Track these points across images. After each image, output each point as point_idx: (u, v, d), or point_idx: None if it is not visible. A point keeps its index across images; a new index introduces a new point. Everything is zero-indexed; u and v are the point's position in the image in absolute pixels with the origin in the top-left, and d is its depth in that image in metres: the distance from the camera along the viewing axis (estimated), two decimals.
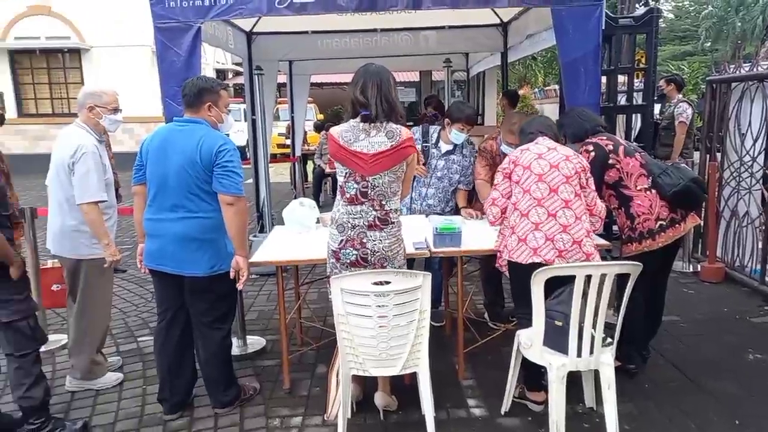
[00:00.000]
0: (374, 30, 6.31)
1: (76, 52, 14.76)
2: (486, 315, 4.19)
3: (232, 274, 2.84)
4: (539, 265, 2.65)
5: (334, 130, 2.66)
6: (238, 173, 2.77)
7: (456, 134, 3.81)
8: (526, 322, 2.72)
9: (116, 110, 3.28)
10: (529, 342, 2.69)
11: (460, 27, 6.32)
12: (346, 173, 2.63)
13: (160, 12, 3.48)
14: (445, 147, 3.91)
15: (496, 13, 5.95)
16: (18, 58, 14.86)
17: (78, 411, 3.16)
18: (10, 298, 2.69)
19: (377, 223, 2.63)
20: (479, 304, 4.43)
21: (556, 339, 2.58)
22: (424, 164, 3.89)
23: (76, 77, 14.85)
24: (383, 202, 2.63)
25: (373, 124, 2.59)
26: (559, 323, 2.55)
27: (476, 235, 3.37)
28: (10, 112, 14.25)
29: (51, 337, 3.89)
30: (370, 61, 2.73)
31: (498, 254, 2.99)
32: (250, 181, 6.74)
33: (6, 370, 2.81)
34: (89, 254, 3.20)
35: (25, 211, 3.85)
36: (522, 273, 2.66)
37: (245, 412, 3.08)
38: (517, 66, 20.82)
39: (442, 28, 6.35)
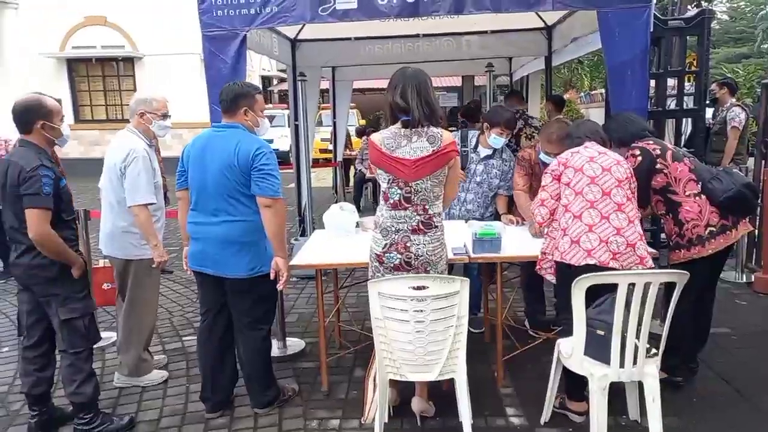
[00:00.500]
0: (416, 35, 6.33)
1: (129, 61, 15.37)
2: (526, 323, 4.13)
3: (272, 276, 2.89)
4: (593, 267, 2.62)
5: (376, 137, 2.68)
6: (275, 176, 2.82)
7: (495, 138, 3.78)
8: (571, 327, 2.66)
9: (165, 116, 3.40)
10: (570, 351, 2.64)
11: (503, 31, 6.27)
12: (389, 179, 2.65)
13: (208, 21, 3.59)
14: (484, 152, 3.88)
15: (539, 16, 5.86)
16: (75, 66, 15.56)
17: (125, 407, 3.27)
18: (70, 296, 2.81)
19: (421, 227, 2.65)
20: (519, 311, 4.36)
21: (597, 348, 2.52)
22: (462, 169, 3.87)
23: (130, 84, 15.46)
24: (427, 207, 2.65)
25: (414, 129, 2.60)
26: (601, 332, 2.49)
27: (516, 242, 3.33)
28: (68, 118, 14.94)
29: (102, 335, 4.04)
30: (411, 66, 2.74)
31: (541, 258, 2.95)
32: (292, 185, 6.85)
33: (59, 365, 2.94)
34: (138, 255, 3.32)
35: (79, 213, 4.03)
36: (573, 275, 2.61)
37: (284, 413, 3.12)
38: (563, 70, 20.46)
39: (485, 32, 6.31)
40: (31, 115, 2.78)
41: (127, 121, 3.41)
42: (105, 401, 3.23)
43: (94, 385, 2.93)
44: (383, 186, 2.69)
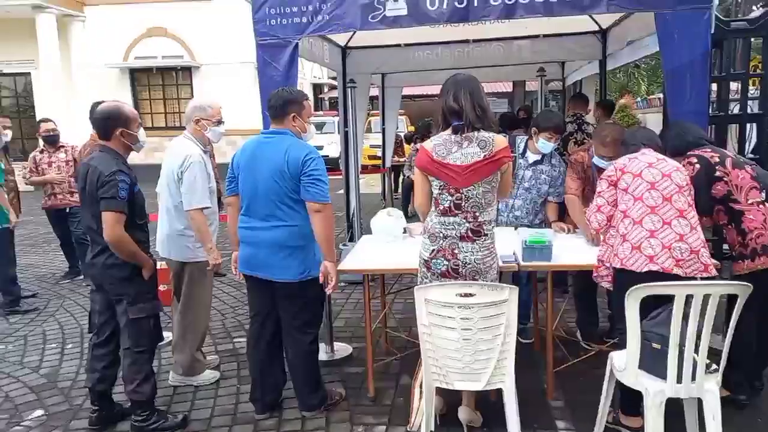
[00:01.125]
0: (466, 41, 6.29)
1: (187, 70, 15.99)
2: (578, 334, 4.02)
3: (320, 280, 2.92)
4: (655, 273, 2.54)
5: (427, 145, 2.68)
6: (324, 181, 2.86)
7: (543, 143, 3.71)
8: (625, 339, 2.57)
9: (220, 122, 3.51)
10: (624, 364, 2.55)
11: (556, 35, 6.15)
12: (440, 185, 2.65)
13: (262, 30, 3.68)
14: (532, 157, 3.82)
15: (594, 19, 5.72)
16: (137, 76, 16.34)
17: (179, 405, 3.38)
18: (139, 296, 2.94)
19: (469, 234, 2.63)
20: (570, 322, 4.25)
21: (653, 362, 2.43)
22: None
23: (187, 93, 16.06)
24: (477, 214, 2.63)
25: (465, 135, 2.59)
26: (657, 346, 2.39)
27: (568, 250, 3.25)
28: None
29: None
30: (462, 72, 2.74)
31: (598, 265, 2.87)
32: (341, 191, 6.92)
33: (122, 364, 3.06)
34: (193, 257, 3.43)
35: None
36: (633, 282, 2.52)
37: (331, 417, 3.15)
38: (618, 74, 19.90)
39: (536, 37, 6.20)
40: (111, 123, 2.93)
41: (185, 128, 3.54)
42: (160, 399, 3.34)
43: (152, 385, 3.04)
44: (434, 192, 2.69)
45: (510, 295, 2.46)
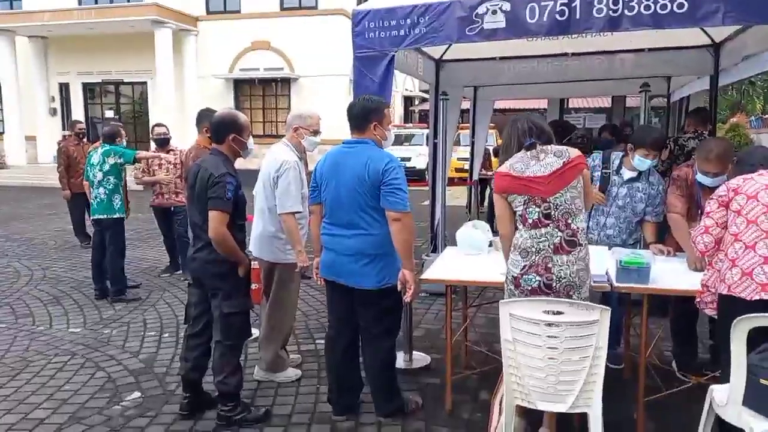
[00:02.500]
0: (564, 54, 6.11)
1: (286, 81, 16.78)
2: (673, 363, 3.76)
3: (399, 288, 2.94)
4: (766, 303, 2.33)
5: (502, 168, 2.70)
6: (404, 190, 2.88)
7: (640, 160, 3.52)
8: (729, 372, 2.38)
9: (317, 132, 3.64)
10: (726, 399, 2.36)
11: (663, 49, 5.83)
12: (524, 201, 2.61)
13: (361, 42, 3.78)
14: (627, 174, 3.64)
15: (706, 32, 5.38)
16: (240, 86, 17.33)
17: (261, 399, 3.51)
18: (233, 292, 3.10)
19: (564, 245, 2.56)
20: (666, 350, 3.99)
21: (759, 400, 2.22)
22: (603, 191, 3.66)
23: (284, 104, 16.82)
24: (569, 221, 2.57)
25: (540, 149, 2.64)
26: (765, 382, 2.19)
27: (667, 273, 3.06)
28: None
29: None
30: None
31: (701, 290, 2.68)
32: (426, 202, 6.92)
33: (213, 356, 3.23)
34: (283, 259, 3.57)
35: None
36: (741, 311, 2.33)
37: (407, 425, 3.14)
38: (730, 91, 18.56)
39: (641, 50, 5.92)
40: (225, 128, 3.13)
41: (281, 136, 3.69)
42: (245, 392, 3.47)
43: (239, 378, 3.18)
44: (519, 210, 2.65)
45: (602, 316, 2.35)
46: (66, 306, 5.40)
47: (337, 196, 2.99)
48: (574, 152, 2.65)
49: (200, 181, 3.03)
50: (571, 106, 15.44)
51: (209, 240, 3.00)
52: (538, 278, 2.57)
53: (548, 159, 2.62)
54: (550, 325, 2.39)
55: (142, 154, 6.04)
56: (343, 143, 3.13)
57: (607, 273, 3.02)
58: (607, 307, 2.38)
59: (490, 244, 3.70)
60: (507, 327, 2.48)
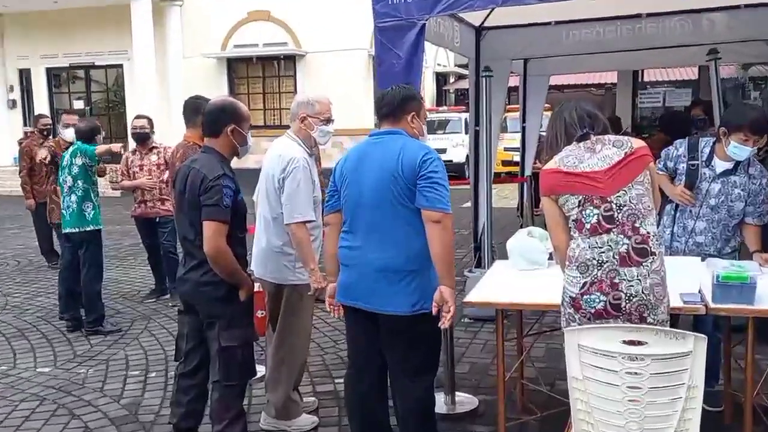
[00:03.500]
0: (637, 15, 6.03)
1: (291, 59, 16.93)
2: None
3: (434, 310, 2.89)
4: None
5: (550, 163, 2.73)
6: (445, 186, 2.87)
7: (736, 147, 3.45)
8: None
9: (329, 120, 3.65)
10: None
11: (764, 5, 5.70)
12: (579, 201, 2.62)
13: (382, 10, 3.80)
14: (721, 165, 3.57)
15: None
16: (235, 66, 17.56)
17: None
18: (233, 321, 3.12)
19: (632, 255, 2.55)
20: None
21: None
22: (690, 188, 3.59)
23: (290, 86, 16.97)
24: (636, 224, 2.56)
25: (596, 139, 2.68)
26: None
27: None
28: None
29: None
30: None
31: None
32: (468, 204, 6.91)
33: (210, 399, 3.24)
34: (293, 279, 3.58)
35: None
36: None
37: None
38: None
39: (737, 7, 5.79)
40: (224, 117, 3.18)
41: (286, 127, 3.71)
42: None
43: (243, 426, 3.19)
44: (573, 214, 2.65)
45: (696, 346, 2.33)
46: (32, 340, 5.52)
47: (360, 197, 2.99)
48: (638, 142, 2.70)
49: (191, 185, 3.06)
50: (646, 79, 15.23)
51: (204, 257, 3.02)
52: (602, 298, 2.55)
53: (606, 150, 2.63)
54: (631, 359, 2.35)
55: (100, 148, 5.72)
56: (370, 135, 3.14)
57: (700, 291, 2.97)
58: (703, 335, 2.35)
59: (551, 257, 3.66)
60: (575, 361, 2.46)
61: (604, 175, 2.59)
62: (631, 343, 2.38)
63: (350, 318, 3.17)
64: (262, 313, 4.04)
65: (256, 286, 4.09)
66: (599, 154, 2.65)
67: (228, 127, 3.14)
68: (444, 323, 2.91)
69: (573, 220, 2.66)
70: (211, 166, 3.05)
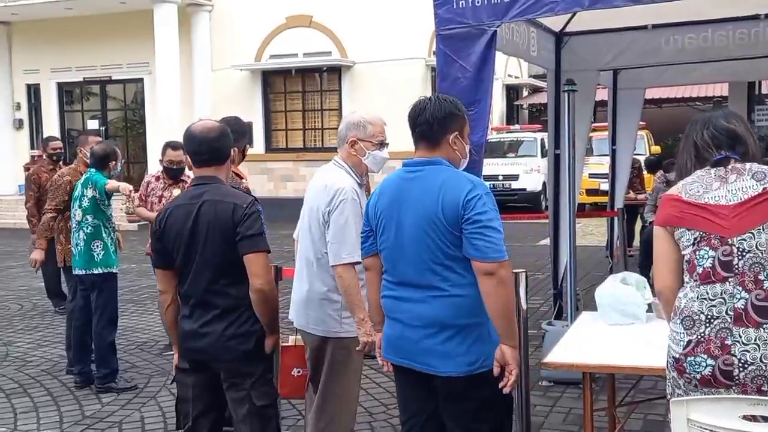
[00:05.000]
0: (755, 17, 5.96)
1: (335, 71, 17.09)
2: None
3: (495, 370, 2.87)
4: None
5: (674, 189, 2.67)
6: (497, 228, 2.82)
7: None
8: None
9: (383, 144, 3.68)
10: None
11: None
12: (694, 238, 2.56)
13: (446, 15, 3.83)
14: None
15: None
16: (271, 80, 17.81)
17: None
18: (263, 376, 3.16)
19: (751, 313, 2.46)
20: None
21: None
22: None
23: (334, 102, 17.15)
24: (761, 276, 2.48)
25: (732, 167, 2.59)
26: None
27: None
28: (258, 146, 16.95)
29: None
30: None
31: None
32: (546, 242, 6.85)
33: None
34: (339, 331, 3.58)
35: None
36: None
37: None
38: None
39: None
40: (229, 141, 3.27)
41: (328, 150, 3.77)
42: None
43: None
44: (686, 252, 2.59)
45: None
46: (36, 398, 5.63)
47: (400, 242, 2.98)
48: None
49: (216, 221, 3.10)
50: (764, 91, 14.91)
51: (228, 304, 3.09)
52: (710, 362, 2.48)
53: (741, 182, 2.55)
54: None
55: (111, 184, 5.72)
56: (403, 165, 3.11)
57: None
58: None
59: (650, 309, 3.60)
60: None
61: (731, 212, 2.51)
62: (754, 419, 2.31)
63: (400, 379, 3.17)
64: (299, 371, 4.07)
65: (294, 340, 4.14)
66: (730, 185, 2.57)
67: (233, 150, 3.26)
68: (507, 387, 2.89)
69: (686, 261, 2.61)
70: (234, 194, 3.13)
